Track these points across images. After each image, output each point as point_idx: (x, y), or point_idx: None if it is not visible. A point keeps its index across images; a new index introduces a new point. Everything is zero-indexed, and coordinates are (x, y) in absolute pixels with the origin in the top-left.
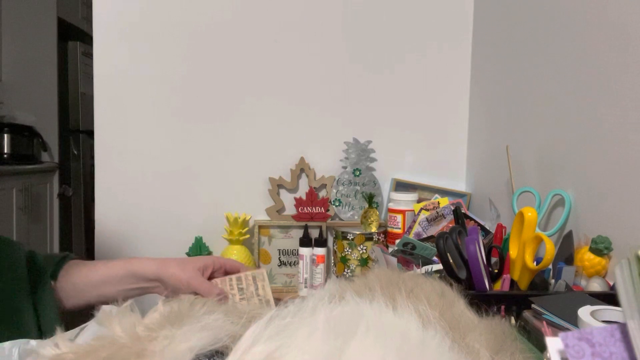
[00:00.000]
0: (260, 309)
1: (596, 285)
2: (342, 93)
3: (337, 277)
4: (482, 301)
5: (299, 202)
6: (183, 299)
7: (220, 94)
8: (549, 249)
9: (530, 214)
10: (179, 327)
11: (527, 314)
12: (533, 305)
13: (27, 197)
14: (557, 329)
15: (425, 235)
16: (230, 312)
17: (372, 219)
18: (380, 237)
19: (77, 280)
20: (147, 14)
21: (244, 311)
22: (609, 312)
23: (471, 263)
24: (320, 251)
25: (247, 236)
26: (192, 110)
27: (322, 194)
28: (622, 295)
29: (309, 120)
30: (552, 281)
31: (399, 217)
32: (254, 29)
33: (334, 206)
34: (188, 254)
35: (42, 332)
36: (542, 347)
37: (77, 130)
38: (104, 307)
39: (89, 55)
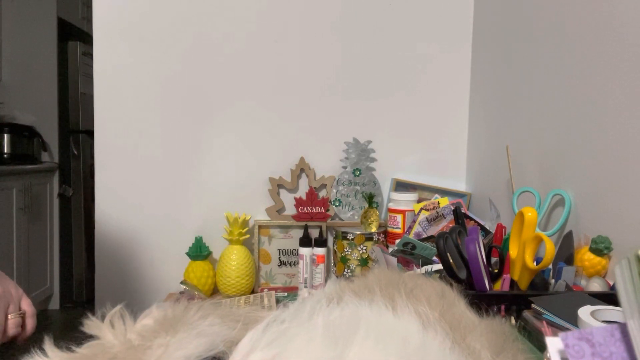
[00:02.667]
0: (256, 312)
1: (596, 285)
2: (343, 93)
3: (337, 277)
4: (482, 301)
5: (299, 202)
6: (178, 303)
7: (221, 93)
8: (549, 249)
9: (530, 214)
10: (173, 334)
11: (527, 314)
12: (533, 305)
13: (27, 197)
14: (557, 329)
15: (425, 235)
16: (226, 316)
17: (372, 219)
18: (380, 237)
19: None
20: (147, 14)
21: (240, 314)
22: (609, 312)
23: (471, 263)
24: (320, 251)
25: (247, 236)
26: (192, 110)
27: (322, 194)
28: (622, 295)
29: (309, 120)
30: (552, 281)
31: (399, 217)
32: (254, 29)
33: (334, 206)
34: (188, 254)
35: None
36: (542, 347)
37: (77, 130)
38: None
39: (89, 55)
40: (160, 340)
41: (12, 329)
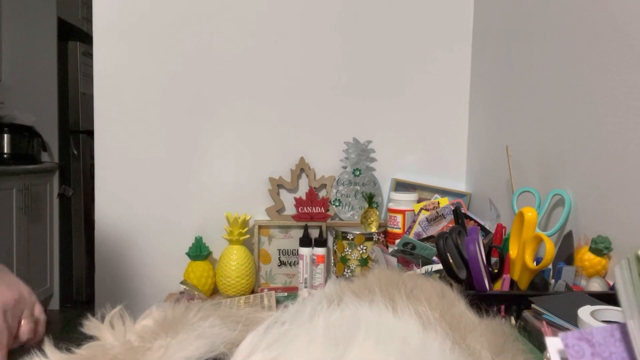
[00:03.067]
0: (257, 313)
1: (596, 285)
2: (342, 93)
3: (337, 277)
4: (482, 301)
5: (299, 202)
6: (177, 304)
7: (221, 93)
8: (549, 249)
9: (530, 214)
10: (173, 335)
11: (527, 314)
12: (533, 305)
13: (27, 197)
14: (557, 329)
15: (425, 235)
16: (227, 317)
17: (372, 219)
18: (380, 237)
19: None
20: (147, 14)
21: (240, 315)
22: (609, 312)
23: (471, 263)
24: (320, 251)
25: (247, 236)
26: (192, 110)
27: (322, 194)
28: (622, 295)
29: (309, 120)
30: (552, 281)
31: (399, 217)
32: (254, 28)
33: (334, 206)
34: (188, 254)
35: None
36: (542, 347)
37: (77, 130)
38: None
39: (89, 55)
40: (161, 342)
41: (25, 334)
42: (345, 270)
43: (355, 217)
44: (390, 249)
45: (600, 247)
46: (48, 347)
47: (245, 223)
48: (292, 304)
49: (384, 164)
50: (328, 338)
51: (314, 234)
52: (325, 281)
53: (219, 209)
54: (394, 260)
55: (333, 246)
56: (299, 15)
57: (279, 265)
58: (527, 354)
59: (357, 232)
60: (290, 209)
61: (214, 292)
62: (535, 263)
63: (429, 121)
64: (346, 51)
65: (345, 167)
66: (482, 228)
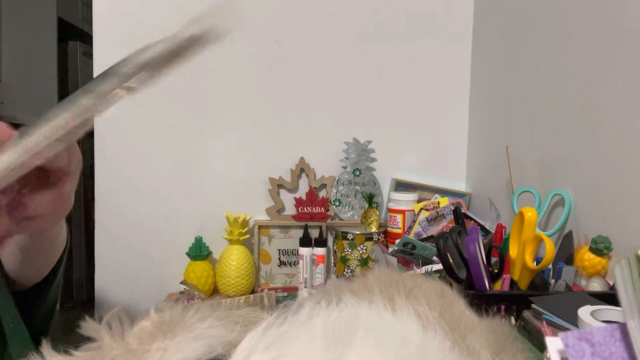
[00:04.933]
0: (255, 313)
1: (596, 285)
2: (342, 93)
3: (337, 277)
4: (482, 301)
5: (299, 202)
6: (175, 305)
7: (220, 93)
8: (549, 249)
9: (530, 214)
10: (171, 337)
11: (527, 314)
12: (533, 305)
13: None
14: (557, 328)
15: (425, 235)
16: (225, 317)
17: (372, 219)
18: (380, 237)
19: None
20: (147, 14)
21: (238, 316)
22: (609, 312)
23: (471, 263)
24: (320, 251)
25: (247, 236)
26: (192, 110)
27: (322, 194)
28: (622, 295)
29: (309, 120)
30: (552, 281)
31: (399, 217)
32: (254, 28)
33: (334, 206)
34: (188, 254)
35: None
36: (542, 347)
37: None
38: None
39: (89, 55)
40: (159, 344)
41: None
42: (345, 270)
43: (355, 217)
44: (390, 249)
45: (600, 247)
46: (46, 349)
47: (245, 223)
48: (291, 304)
49: (384, 164)
50: (327, 338)
51: (314, 234)
52: (325, 281)
53: (219, 209)
54: (394, 260)
55: (333, 246)
56: (298, 14)
57: (279, 265)
58: (526, 353)
59: (357, 232)
60: (290, 209)
61: (214, 292)
62: (535, 263)
63: (429, 121)
64: (345, 50)
65: (345, 167)
66: (482, 228)
